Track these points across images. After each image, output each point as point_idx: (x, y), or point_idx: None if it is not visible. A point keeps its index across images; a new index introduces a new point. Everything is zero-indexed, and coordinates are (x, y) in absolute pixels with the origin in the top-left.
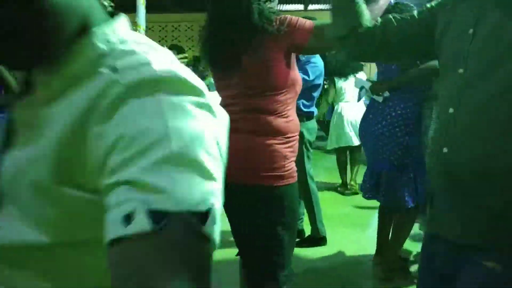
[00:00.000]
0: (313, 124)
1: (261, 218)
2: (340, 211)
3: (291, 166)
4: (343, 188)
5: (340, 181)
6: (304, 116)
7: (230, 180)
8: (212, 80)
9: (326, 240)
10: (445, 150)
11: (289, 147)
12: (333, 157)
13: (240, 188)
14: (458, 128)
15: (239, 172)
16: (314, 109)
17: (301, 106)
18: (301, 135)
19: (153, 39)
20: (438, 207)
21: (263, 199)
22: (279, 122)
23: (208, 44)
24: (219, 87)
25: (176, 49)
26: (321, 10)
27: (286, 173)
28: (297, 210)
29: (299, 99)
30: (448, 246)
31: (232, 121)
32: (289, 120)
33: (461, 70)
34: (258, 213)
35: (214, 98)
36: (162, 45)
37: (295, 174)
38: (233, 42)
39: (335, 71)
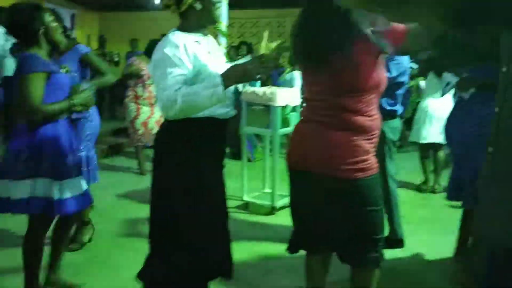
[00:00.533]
0: (396, 123)
1: (344, 208)
2: (419, 213)
3: (372, 159)
4: (425, 186)
5: (422, 179)
6: (387, 115)
7: (313, 169)
8: (292, 75)
9: (403, 243)
10: (490, 149)
11: (371, 142)
12: (416, 155)
13: (323, 178)
14: (501, 127)
15: (323, 164)
16: (398, 107)
17: (384, 105)
18: (383, 134)
19: (233, 35)
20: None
21: (345, 191)
22: (363, 120)
23: (299, 39)
24: (307, 82)
25: (246, 44)
26: None
27: (367, 165)
28: (379, 197)
29: (382, 97)
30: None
31: (317, 115)
32: (373, 119)
33: (504, 69)
34: (339, 203)
35: (293, 94)
36: (243, 42)
37: (376, 166)
38: (324, 39)
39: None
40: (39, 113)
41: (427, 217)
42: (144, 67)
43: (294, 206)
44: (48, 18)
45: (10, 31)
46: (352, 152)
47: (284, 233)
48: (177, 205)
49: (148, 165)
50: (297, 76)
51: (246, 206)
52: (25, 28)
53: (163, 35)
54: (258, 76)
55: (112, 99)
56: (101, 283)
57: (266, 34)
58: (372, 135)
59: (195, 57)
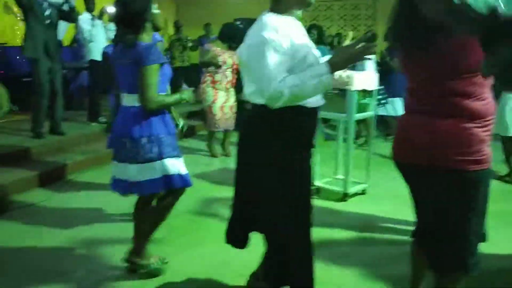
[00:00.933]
0: None
1: (452, 203)
2: (502, 206)
3: (488, 150)
4: (508, 178)
5: (507, 171)
6: None
7: (422, 162)
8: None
9: (485, 237)
10: None
11: (486, 130)
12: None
13: (432, 171)
14: None
15: (433, 155)
16: None
17: None
18: None
19: (306, 19)
20: None
21: (456, 184)
22: (477, 105)
23: (401, 23)
24: (411, 70)
25: (316, 28)
26: None
27: (482, 157)
28: (488, 196)
29: None
30: None
31: (424, 105)
32: (487, 102)
33: None
34: (449, 197)
35: (370, 78)
36: (313, 25)
37: (491, 160)
38: (429, 19)
39: None
40: (156, 103)
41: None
42: (220, 53)
43: (412, 199)
44: (154, 5)
45: (122, 20)
46: (466, 141)
47: (355, 220)
48: (271, 193)
49: (219, 148)
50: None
51: (317, 191)
52: (139, 17)
53: (237, 19)
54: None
55: (188, 83)
56: (180, 259)
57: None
58: (487, 121)
59: (293, 40)
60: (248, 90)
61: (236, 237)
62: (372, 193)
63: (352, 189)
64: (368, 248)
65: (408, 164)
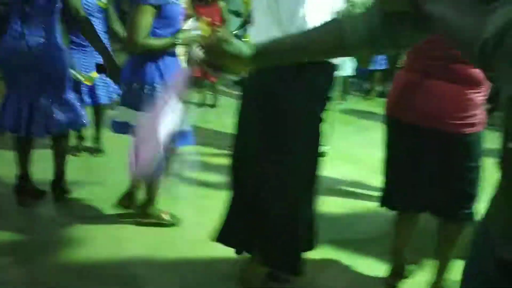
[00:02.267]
0: None
1: (451, 162)
2: None
3: (482, 113)
4: None
5: None
6: None
7: (421, 123)
8: None
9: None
10: None
11: (482, 95)
12: None
13: (431, 132)
14: None
15: (432, 117)
16: None
17: None
18: None
19: None
20: None
21: (452, 145)
22: (475, 72)
23: None
24: None
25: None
26: None
27: (477, 120)
28: (481, 154)
29: None
30: None
31: (423, 64)
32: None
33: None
34: (449, 157)
35: None
36: None
37: (484, 121)
38: None
39: None
40: (139, 46)
41: None
42: None
43: (392, 160)
44: None
45: None
46: (464, 106)
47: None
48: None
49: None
50: None
51: None
52: None
53: None
54: None
55: None
56: None
57: None
58: (483, 87)
59: None
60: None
61: (236, 236)
62: (333, 156)
63: None
64: (330, 214)
65: (406, 123)
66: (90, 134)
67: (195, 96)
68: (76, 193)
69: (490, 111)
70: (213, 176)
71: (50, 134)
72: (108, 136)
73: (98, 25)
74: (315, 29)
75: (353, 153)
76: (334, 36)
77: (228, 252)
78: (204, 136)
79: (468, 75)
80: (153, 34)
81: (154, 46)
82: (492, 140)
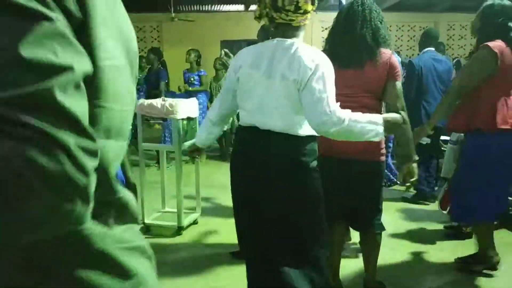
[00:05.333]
0: None
1: (373, 184)
2: None
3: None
4: None
5: None
6: None
7: (344, 156)
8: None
9: None
10: None
11: None
12: None
13: (355, 162)
14: None
15: (356, 152)
16: None
17: None
18: None
19: None
20: None
21: (371, 171)
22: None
23: (337, 44)
24: (339, 84)
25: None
26: None
27: (384, 152)
28: None
29: None
30: None
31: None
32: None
33: None
34: (373, 181)
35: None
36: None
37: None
38: (358, 49)
39: None
40: None
41: None
42: None
43: (325, 187)
44: None
45: None
46: (380, 142)
47: (195, 252)
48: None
49: None
50: None
51: (147, 230)
52: None
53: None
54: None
55: None
56: None
57: None
58: None
59: None
60: (289, 121)
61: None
62: (204, 221)
63: (186, 221)
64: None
65: (340, 159)
66: None
67: None
68: None
69: None
70: None
71: None
72: None
73: None
74: None
75: (222, 214)
76: None
77: None
78: None
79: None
80: None
81: None
82: None
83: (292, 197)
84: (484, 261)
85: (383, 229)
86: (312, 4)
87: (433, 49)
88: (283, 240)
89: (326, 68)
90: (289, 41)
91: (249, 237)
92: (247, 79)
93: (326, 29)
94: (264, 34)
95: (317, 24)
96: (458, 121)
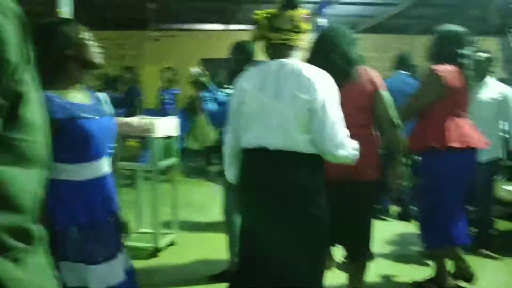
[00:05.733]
0: None
1: (365, 206)
2: None
3: None
4: None
5: None
6: None
7: (347, 177)
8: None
9: None
10: None
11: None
12: None
13: (351, 183)
14: None
15: (350, 171)
16: None
17: None
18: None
19: None
20: None
21: (368, 191)
22: (375, 134)
23: (319, 58)
24: None
25: None
26: (241, 30)
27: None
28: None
29: None
30: None
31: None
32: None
33: None
34: (366, 202)
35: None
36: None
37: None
38: (332, 74)
39: None
40: None
41: None
42: None
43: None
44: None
45: None
46: (372, 157)
47: (172, 276)
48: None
49: None
50: None
51: None
52: None
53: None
54: None
55: None
56: None
57: None
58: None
59: None
60: (298, 139)
61: None
62: (182, 242)
63: (162, 242)
64: None
65: (334, 180)
66: None
67: None
68: None
69: None
70: None
71: None
72: None
73: None
74: None
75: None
76: None
77: None
78: None
79: (372, 135)
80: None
81: None
82: None
83: (307, 215)
84: (440, 284)
85: (372, 258)
86: (309, 24)
87: (405, 72)
88: (292, 265)
89: (335, 90)
90: (291, 61)
91: (259, 264)
92: (254, 101)
93: None
94: (239, 53)
95: None
96: (415, 142)
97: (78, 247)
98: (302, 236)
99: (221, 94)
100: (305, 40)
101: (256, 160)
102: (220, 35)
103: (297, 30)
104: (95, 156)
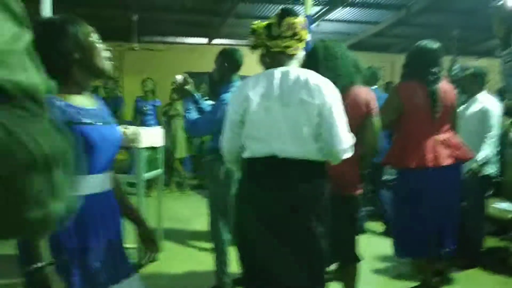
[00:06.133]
0: None
1: (351, 216)
2: None
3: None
4: None
5: None
6: None
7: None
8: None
9: None
10: None
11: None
12: None
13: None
14: None
15: (341, 185)
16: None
17: None
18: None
19: None
20: None
21: (351, 204)
22: (357, 151)
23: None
24: None
25: None
26: (225, 44)
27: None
28: None
29: None
30: None
31: None
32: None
33: None
34: (352, 214)
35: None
36: None
37: None
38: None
39: None
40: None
41: None
42: None
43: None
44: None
45: None
46: (356, 174)
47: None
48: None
49: None
50: None
51: None
52: None
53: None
54: None
55: None
56: None
57: None
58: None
59: None
60: (308, 146)
61: None
62: (165, 258)
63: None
64: None
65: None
66: None
67: None
68: None
69: None
70: None
71: None
72: None
73: None
74: None
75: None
76: None
77: None
78: None
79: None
80: None
81: None
82: None
83: (319, 223)
84: None
85: (360, 259)
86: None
87: (376, 87)
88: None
89: (340, 96)
90: (294, 69)
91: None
92: (260, 109)
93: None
94: (224, 60)
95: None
96: (387, 157)
97: (88, 273)
98: (313, 244)
99: (205, 104)
100: (302, 49)
101: (266, 168)
102: (204, 49)
103: (296, 38)
104: (96, 169)
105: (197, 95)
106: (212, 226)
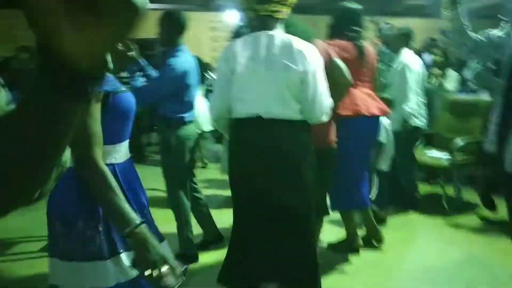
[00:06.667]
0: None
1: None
2: None
3: None
4: None
5: None
6: None
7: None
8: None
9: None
10: None
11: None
12: None
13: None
14: None
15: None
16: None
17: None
18: None
19: None
20: None
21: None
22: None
23: None
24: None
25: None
26: (164, 9)
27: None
28: None
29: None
30: None
31: None
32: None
33: None
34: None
35: None
36: None
37: None
38: None
39: None
40: None
41: None
42: None
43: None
44: None
45: None
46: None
47: None
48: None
49: None
50: None
51: None
52: None
53: None
54: None
55: None
56: None
57: None
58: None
59: None
60: (292, 108)
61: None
62: None
63: None
64: None
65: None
66: None
67: None
68: None
69: None
70: None
71: None
72: None
73: None
74: None
75: None
76: None
77: None
78: None
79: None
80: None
81: None
82: None
83: (301, 178)
84: (350, 245)
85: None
86: None
87: None
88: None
89: (321, 62)
90: (280, 34)
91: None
92: (246, 70)
93: (212, 28)
94: (169, 23)
95: (205, 24)
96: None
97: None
98: (297, 197)
99: (153, 71)
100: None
101: (250, 128)
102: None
103: (283, 3)
104: (126, 136)
105: (143, 61)
106: (171, 194)
